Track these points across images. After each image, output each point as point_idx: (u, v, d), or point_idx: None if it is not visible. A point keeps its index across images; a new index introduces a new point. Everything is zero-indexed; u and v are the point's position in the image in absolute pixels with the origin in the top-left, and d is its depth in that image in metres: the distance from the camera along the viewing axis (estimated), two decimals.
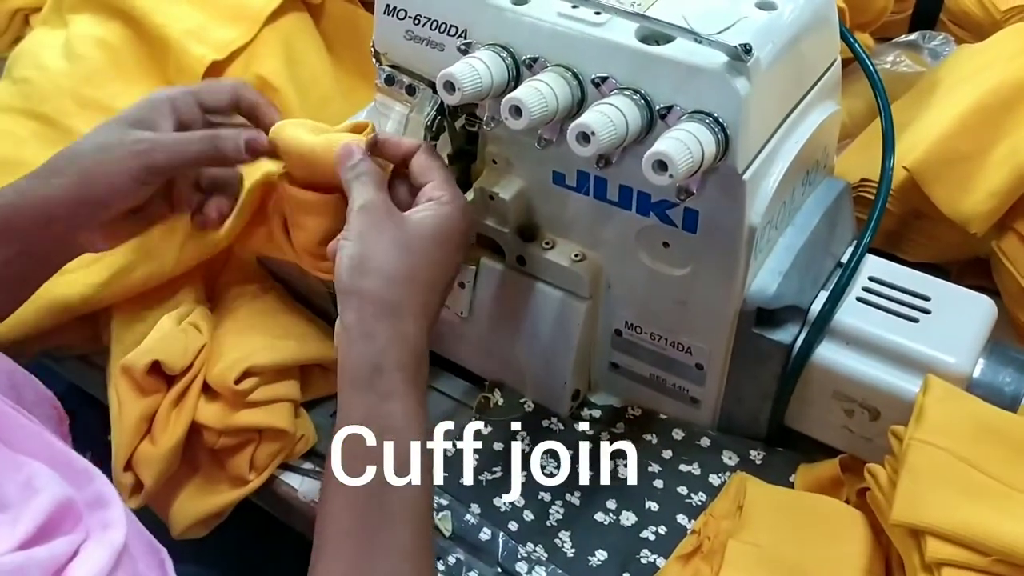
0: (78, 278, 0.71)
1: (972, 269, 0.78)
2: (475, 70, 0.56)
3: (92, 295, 0.71)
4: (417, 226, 0.55)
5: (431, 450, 0.53)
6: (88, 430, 0.65)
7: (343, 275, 0.53)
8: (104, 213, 0.59)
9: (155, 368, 0.65)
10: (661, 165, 0.51)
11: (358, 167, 0.57)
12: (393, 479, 0.50)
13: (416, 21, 0.62)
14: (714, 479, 0.66)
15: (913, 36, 0.92)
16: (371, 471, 0.50)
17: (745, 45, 0.51)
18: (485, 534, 0.64)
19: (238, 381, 0.64)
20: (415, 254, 0.55)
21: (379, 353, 0.52)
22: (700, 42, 0.53)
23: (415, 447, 0.51)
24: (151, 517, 0.70)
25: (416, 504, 0.51)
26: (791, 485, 0.66)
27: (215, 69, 0.79)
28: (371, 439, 0.50)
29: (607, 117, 0.52)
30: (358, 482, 0.50)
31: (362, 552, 0.49)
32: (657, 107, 0.54)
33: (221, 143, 0.59)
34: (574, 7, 0.57)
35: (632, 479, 0.66)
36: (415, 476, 0.51)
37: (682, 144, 0.51)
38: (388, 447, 0.50)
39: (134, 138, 0.58)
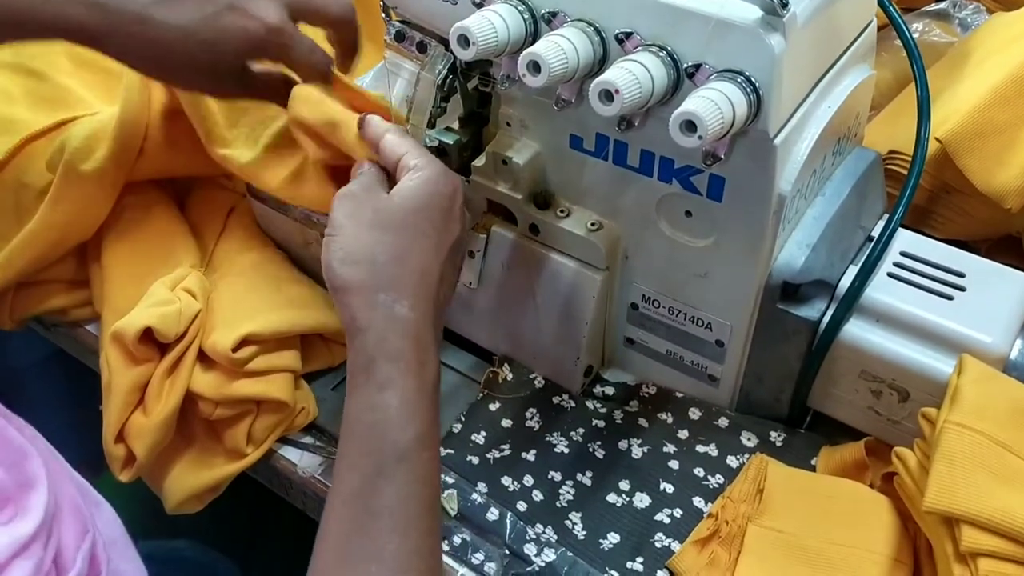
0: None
1: (1003, 247, 0.75)
2: (491, 24, 0.53)
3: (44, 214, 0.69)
4: (397, 202, 0.53)
5: (435, 434, 0.51)
6: (76, 401, 0.62)
7: (331, 270, 0.51)
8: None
9: (147, 335, 0.62)
10: (689, 126, 0.48)
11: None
12: (387, 472, 0.48)
13: None
14: (732, 461, 0.64)
15: (943, 5, 0.89)
16: (365, 464, 0.48)
17: None
18: (492, 514, 0.61)
19: (236, 349, 0.62)
20: (400, 231, 0.52)
21: (373, 344, 0.49)
22: None
23: (410, 436, 0.48)
24: (144, 490, 0.68)
25: (408, 504, 0.48)
26: (813, 468, 0.63)
27: None
28: (365, 432, 0.49)
29: (632, 75, 0.49)
30: (352, 478, 0.48)
31: (344, 557, 0.47)
32: (685, 65, 0.51)
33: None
34: None
35: (646, 459, 0.64)
36: (410, 467, 0.48)
37: (712, 104, 0.48)
38: (382, 439, 0.48)
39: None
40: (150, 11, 0.56)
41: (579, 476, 0.63)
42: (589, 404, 0.68)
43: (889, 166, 0.72)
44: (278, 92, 0.61)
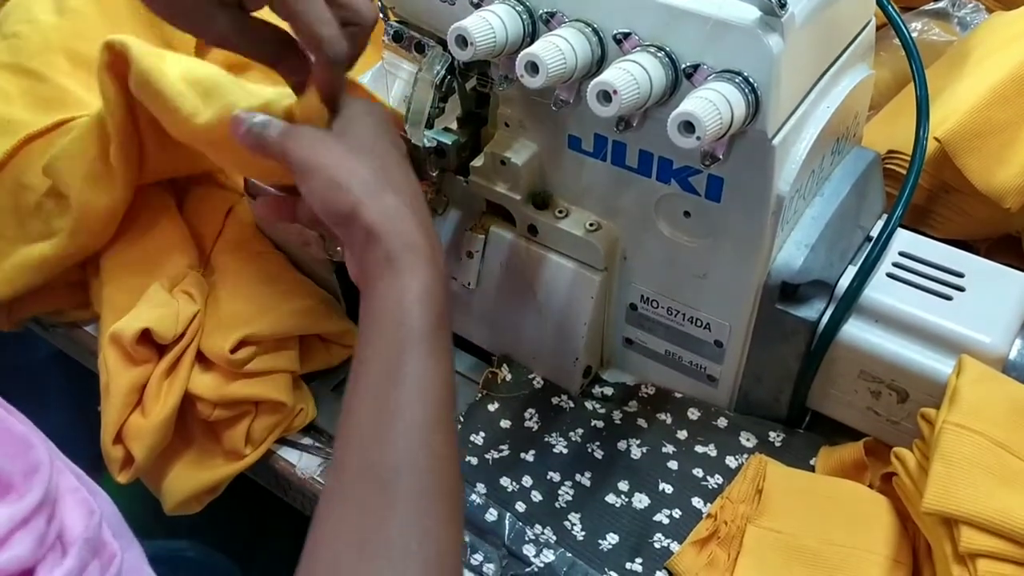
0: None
1: (1003, 247, 0.74)
2: (489, 24, 0.53)
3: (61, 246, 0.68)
4: (356, 128, 0.53)
5: (450, 318, 0.50)
6: (76, 401, 0.62)
7: (337, 194, 0.50)
8: None
9: (146, 336, 0.62)
10: (688, 126, 0.47)
11: (254, 123, 0.53)
12: (410, 348, 0.48)
13: None
14: (731, 461, 0.64)
15: (942, 3, 0.89)
16: (390, 344, 0.48)
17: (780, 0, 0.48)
18: (491, 515, 0.61)
19: (234, 350, 0.62)
20: (372, 151, 0.52)
21: (392, 242, 0.49)
22: None
23: (432, 317, 0.48)
24: (144, 491, 0.67)
25: (429, 377, 0.48)
26: (812, 469, 0.63)
27: None
28: (392, 311, 0.49)
29: (630, 75, 0.49)
30: (377, 360, 0.48)
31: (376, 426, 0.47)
32: (683, 65, 0.51)
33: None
34: None
35: (645, 460, 0.64)
36: (431, 346, 0.48)
37: (711, 104, 0.47)
38: (407, 317, 0.48)
39: None
40: None
41: (578, 476, 0.63)
42: (588, 404, 0.68)
43: (888, 166, 0.72)
44: (270, 48, 0.55)
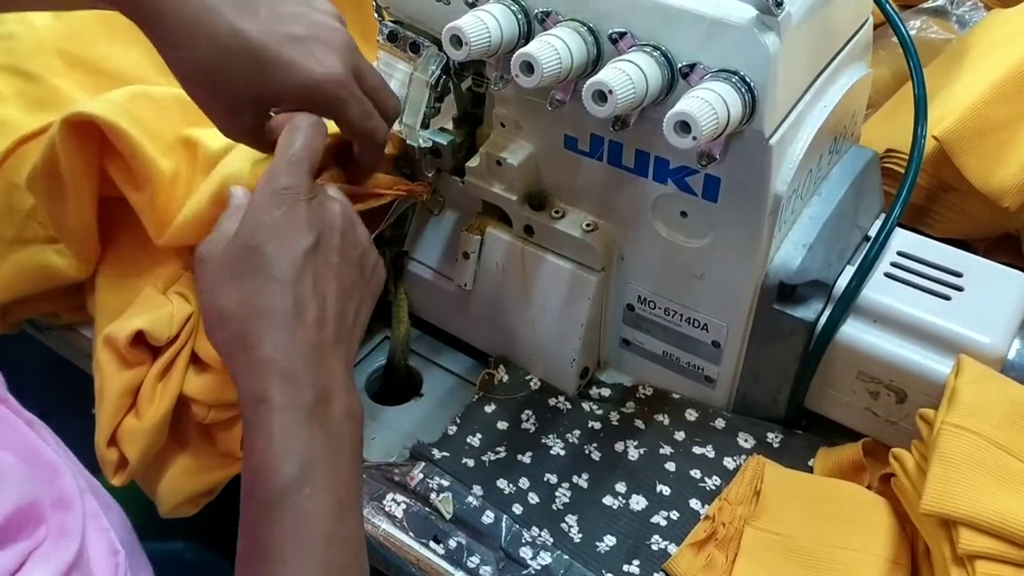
0: (64, 248, 0.68)
1: (1001, 246, 0.74)
2: (484, 24, 0.53)
3: (77, 267, 0.68)
4: (216, 255, 0.51)
5: (322, 463, 0.48)
6: (69, 403, 0.62)
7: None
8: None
9: (139, 339, 0.61)
10: (684, 126, 0.47)
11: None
12: (264, 516, 0.46)
13: None
14: (729, 462, 0.63)
15: (940, 2, 0.89)
16: (249, 508, 0.47)
17: None
18: (488, 517, 0.61)
19: None
20: (227, 282, 0.50)
21: (241, 397, 0.49)
22: None
23: (282, 478, 0.46)
24: (140, 492, 0.67)
25: (295, 544, 0.46)
26: (810, 470, 0.63)
27: None
28: (245, 476, 0.48)
29: (626, 75, 0.49)
30: (243, 518, 0.47)
31: None
32: (679, 65, 0.51)
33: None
34: None
35: (643, 461, 0.63)
36: (288, 507, 0.46)
37: (707, 104, 0.47)
38: (255, 483, 0.47)
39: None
40: (219, 5, 0.51)
41: (575, 478, 0.63)
42: (585, 406, 0.68)
43: (886, 165, 0.72)
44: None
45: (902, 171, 0.66)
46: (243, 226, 0.50)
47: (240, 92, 0.53)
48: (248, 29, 0.51)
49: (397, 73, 0.63)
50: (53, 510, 0.42)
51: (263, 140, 0.56)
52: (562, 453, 0.65)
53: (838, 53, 0.58)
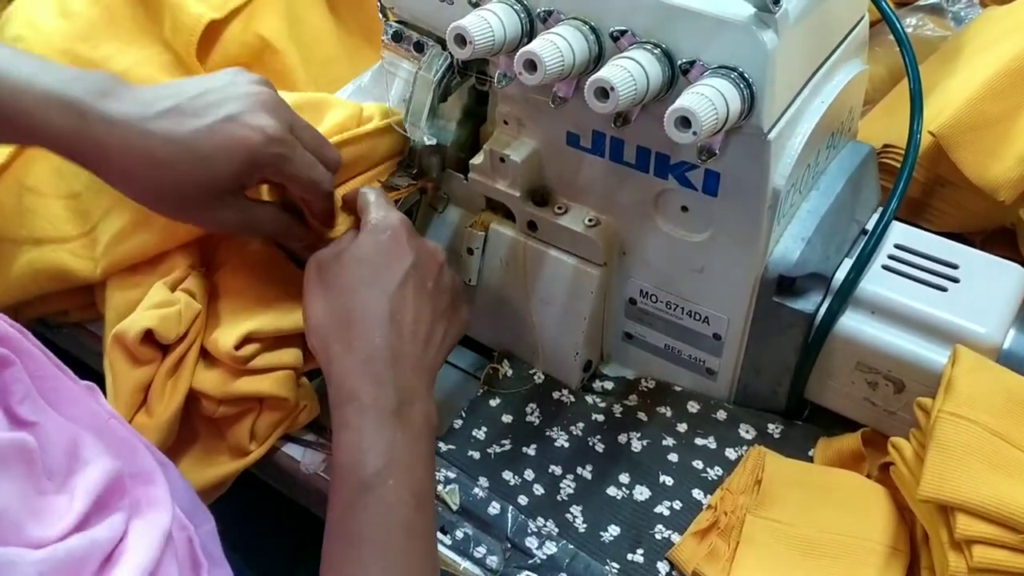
0: (76, 249, 0.69)
1: (997, 239, 0.75)
2: (487, 23, 0.54)
3: (90, 268, 0.69)
4: (343, 260, 0.57)
5: (404, 460, 0.53)
6: None
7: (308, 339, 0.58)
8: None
9: (149, 337, 0.62)
10: (684, 122, 0.48)
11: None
12: (355, 503, 0.51)
13: None
14: (731, 453, 0.64)
15: None
16: (338, 498, 0.52)
17: None
18: (494, 508, 0.62)
19: (238, 347, 0.62)
20: (341, 287, 0.56)
21: (334, 393, 0.54)
22: None
23: (371, 469, 0.52)
24: None
25: (384, 530, 0.50)
26: (810, 459, 0.64)
27: (213, 28, 0.76)
28: (336, 470, 0.53)
29: (627, 71, 0.50)
30: (332, 510, 0.52)
31: None
32: (679, 62, 0.52)
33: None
34: None
35: (646, 453, 0.64)
36: (376, 496, 0.51)
37: (707, 100, 0.48)
38: (347, 474, 0.52)
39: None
40: (149, 125, 0.53)
41: (579, 470, 0.64)
42: (588, 399, 0.69)
43: (883, 160, 0.73)
44: (272, 227, 0.61)
45: (899, 166, 0.67)
46: (356, 247, 0.57)
47: (203, 190, 0.56)
48: (176, 132, 0.54)
49: (401, 72, 0.64)
50: (134, 483, 0.43)
51: (252, 222, 0.60)
52: (566, 445, 0.66)
53: (835, 50, 0.59)
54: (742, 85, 0.50)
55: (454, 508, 0.62)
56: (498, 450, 0.65)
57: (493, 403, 0.69)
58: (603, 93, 0.49)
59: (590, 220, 0.63)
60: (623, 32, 0.53)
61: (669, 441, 0.65)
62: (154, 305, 0.64)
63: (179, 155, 0.54)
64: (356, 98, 0.75)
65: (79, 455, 0.42)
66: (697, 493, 0.62)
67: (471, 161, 0.65)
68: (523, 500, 0.62)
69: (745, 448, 0.64)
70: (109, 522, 0.40)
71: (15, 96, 0.52)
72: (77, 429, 0.44)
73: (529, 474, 0.64)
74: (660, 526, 0.61)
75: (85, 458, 0.42)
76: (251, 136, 0.55)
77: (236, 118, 0.55)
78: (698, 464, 0.64)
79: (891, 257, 0.62)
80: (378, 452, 0.51)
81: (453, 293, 0.60)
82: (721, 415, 0.67)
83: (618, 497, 0.62)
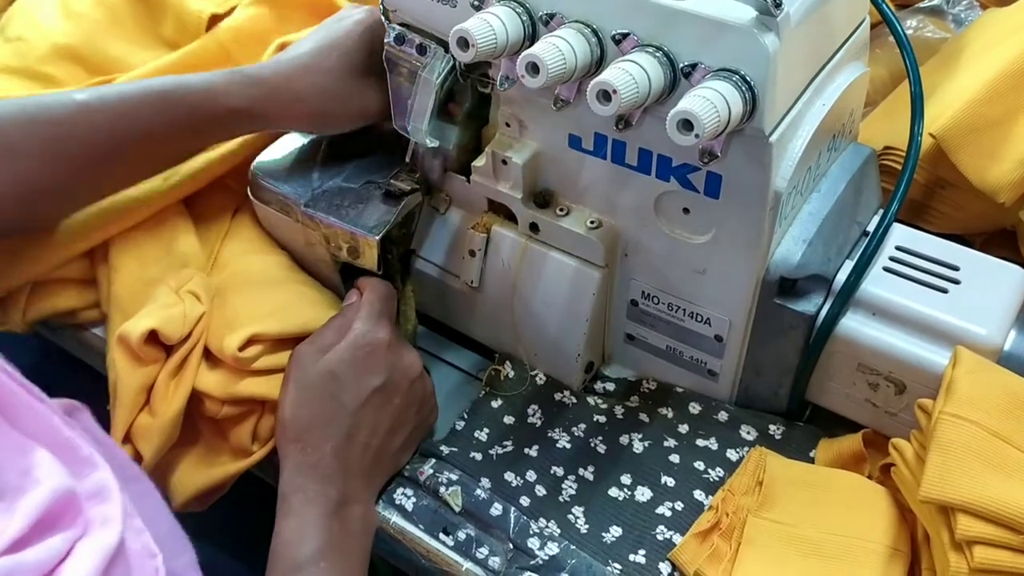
0: None
1: (998, 241, 0.75)
2: (490, 26, 0.54)
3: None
4: (320, 362, 0.61)
5: (336, 550, 0.57)
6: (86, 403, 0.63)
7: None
8: None
9: (153, 337, 0.62)
10: (686, 124, 0.48)
11: None
12: None
13: None
14: (732, 454, 0.64)
15: (936, 1, 0.90)
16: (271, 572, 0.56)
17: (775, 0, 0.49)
18: (496, 509, 0.62)
19: (242, 348, 0.62)
20: (312, 389, 0.60)
21: (283, 483, 0.59)
22: None
23: (305, 553, 0.55)
24: None
25: None
26: (811, 461, 0.64)
27: (215, 23, 0.76)
28: (273, 549, 0.57)
29: (629, 74, 0.50)
30: None
31: None
32: (681, 65, 0.52)
33: None
34: None
35: (647, 454, 0.64)
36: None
37: (708, 102, 0.48)
38: (281, 554, 0.56)
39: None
40: (298, 86, 0.64)
41: (581, 471, 0.64)
42: (590, 400, 0.69)
43: (884, 162, 0.73)
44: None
45: (899, 168, 0.67)
46: (335, 355, 0.61)
47: (357, 117, 0.68)
48: (330, 87, 0.66)
49: (403, 74, 0.64)
50: (89, 502, 0.43)
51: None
52: (568, 446, 0.66)
53: (836, 52, 0.59)
54: (744, 88, 0.50)
55: (456, 509, 0.62)
56: (500, 451, 0.66)
57: (495, 404, 0.69)
58: (605, 96, 0.50)
59: (592, 222, 0.63)
60: (625, 35, 0.53)
61: (671, 442, 0.66)
62: (159, 306, 0.64)
63: (334, 108, 0.66)
64: None
65: (31, 474, 0.42)
66: (699, 494, 0.62)
67: (473, 163, 0.65)
68: (525, 501, 0.62)
69: (746, 449, 0.64)
70: (47, 544, 0.40)
71: (205, 95, 0.63)
72: (34, 446, 0.44)
73: (531, 475, 0.64)
74: (662, 527, 0.61)
75: (37, 477, 0.42)
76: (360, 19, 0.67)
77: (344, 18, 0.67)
78: (699, 465, 0.64)
79: (892, 259, 0.62)
80: (315, 537, 0.56)
81: (422, 403, 0.64)
82: (722, 416, 0.67)
83: (620, 498, 0.62)
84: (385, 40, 0.63)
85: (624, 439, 0.66)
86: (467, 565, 0.60)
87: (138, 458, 0.64)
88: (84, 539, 0.41)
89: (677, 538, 0.60)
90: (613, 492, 0.63)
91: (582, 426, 0.67)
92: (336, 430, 0.59)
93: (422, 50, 0.62)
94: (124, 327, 0.63)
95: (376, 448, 0.61)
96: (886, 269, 0.61)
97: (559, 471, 0.64)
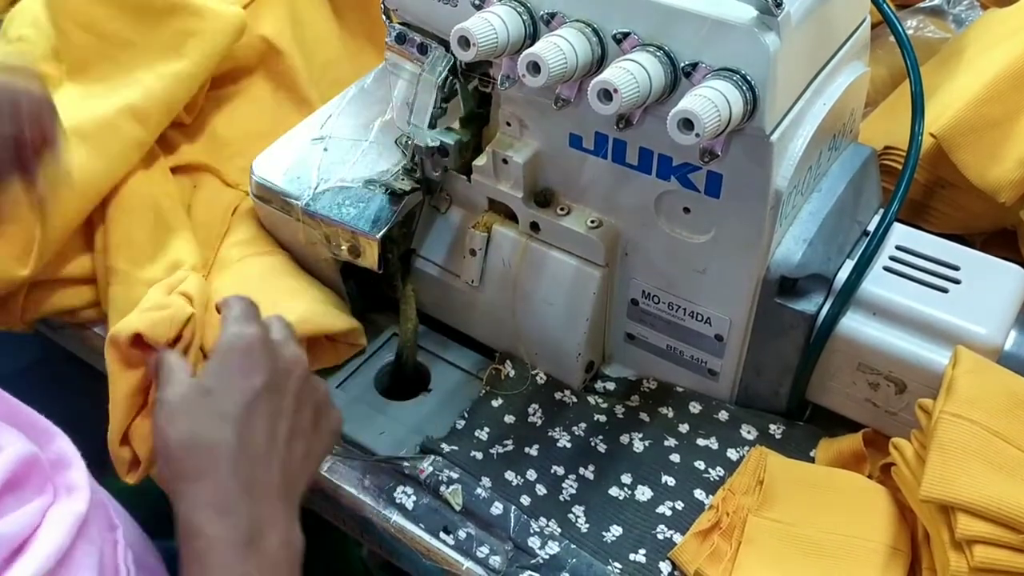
0: None
1: (998, 240, 0.75)
2: (491, 25, 0.54)
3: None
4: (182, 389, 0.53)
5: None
6: (89, 402, 0.63)
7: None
8: None
9: (141, 340, 0.62)
10: (687, 124, 0.48)
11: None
12: None
13: None
14: (732, 453, 0.64)
15: (937, 1, 0.90)
16: None
17: None
18: (496, 508, 0.62)
19: None
20: (180, 420, 0.52)
21: (179, 533, 0.50)
22: None
23: None
24: (150, 490, 0.68)
25: None
26: (811, 460, 0.64)
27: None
28: None
29: (630, 74, 0.50)
30: None
31: None
32: (681, 64, 0.52)
33: None
34: None
35: (648, 453, 0.64)
36: None
37: (709, 102, 0.48)
38: None
39: None
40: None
41: (581, 470, 0.64)
42: (590, 399, 0.69)
43: (885, 161, 0.73)
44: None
45: (900, 167, 0.67)
46: (201, 371, 0.53)
47: None
48: None
49: (404, 74, 0.64)
50: (54, 469, 0.43)
51: None
52: (568, 445, 0.66)
53: (837, 52, 0.59)
54: (744, 87, 0.50)
55: (457, 508, 0.62)
56: (500, 450, 0.66)
57: (495, 403, 0.69)
58: (606, 95, 0.50)
59: (592, 221, 0.64)
60: (626, 34, 0.53)
61: (671, 441, 0.66)
62: (148, 308, 0.64)
63: None
64: (359, 99, 0.76)
65: None
66: (699, 493, 0.62)
67: (474, 162, 0.66)
68: (525, 500, 0.62)
69: (747, 449, 0.64)
70: (23, 511, 0.40)
71: None
72: None
73: (531, 474, 0.64)
74: (662, 526, 0.61)
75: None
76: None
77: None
78: (700, 464, 0.64)
79: (892, 258, 0.62)
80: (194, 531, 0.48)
81: (317, 404, 0.56)
82: (723, 416, 0.67)
83: (620, 497, 0.63)
84: (386, 40, 0.64)
85: (624, 438, 0.66)
86: (467, 564, 0.60)
87: (137, 460, 0.64)
88: (54, 506, 0.41)
89: (677, 537, 0.60)
90: (613, 491, 0.63)
91: (582, 425, 0.67)
92: (225, 448, 0.50)
93: (423, 49, 0.62)
94: (114, 330, 0.62)
95: (281, 458, 0.52)
96: (886, 269, 0.62)
97: (559, 470, 0.64)
